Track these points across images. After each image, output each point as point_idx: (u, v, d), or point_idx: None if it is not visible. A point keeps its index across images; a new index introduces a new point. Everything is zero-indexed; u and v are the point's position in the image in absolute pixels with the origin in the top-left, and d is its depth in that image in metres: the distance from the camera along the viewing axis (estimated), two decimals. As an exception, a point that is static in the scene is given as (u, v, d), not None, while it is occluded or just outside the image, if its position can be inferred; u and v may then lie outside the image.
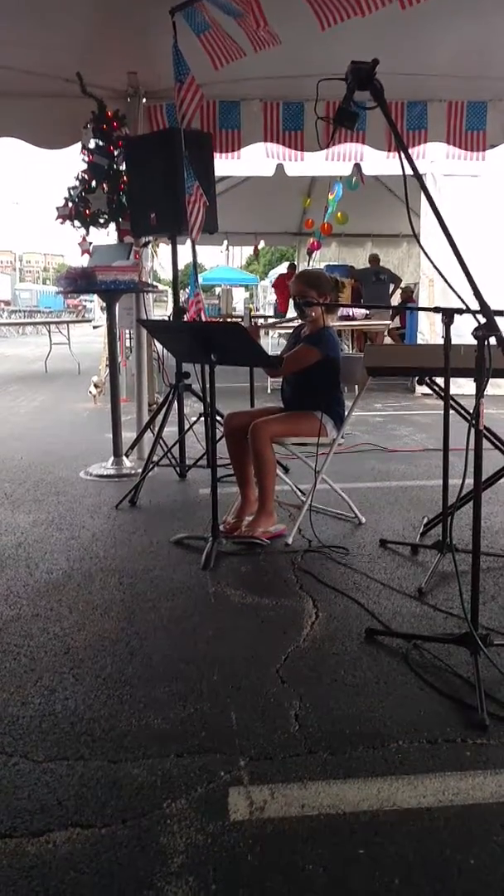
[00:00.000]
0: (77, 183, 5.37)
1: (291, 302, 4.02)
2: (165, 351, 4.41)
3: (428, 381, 3.75)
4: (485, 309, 2.20)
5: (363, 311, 10.27)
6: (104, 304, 5.49)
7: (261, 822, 1.74)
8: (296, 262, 17.57)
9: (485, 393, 2.23)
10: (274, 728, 2.12)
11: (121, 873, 1.59)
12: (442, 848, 1.66)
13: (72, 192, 5.38)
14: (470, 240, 6.89)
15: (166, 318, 7.43)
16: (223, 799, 1.82)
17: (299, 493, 4.23)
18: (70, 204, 5.38)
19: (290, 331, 4.43)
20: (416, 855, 1.64)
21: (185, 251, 5.09)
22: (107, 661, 2.54)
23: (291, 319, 4.77)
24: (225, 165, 7.44)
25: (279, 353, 4.16)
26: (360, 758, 1.99)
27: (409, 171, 2.33)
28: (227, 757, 1.99)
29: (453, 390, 3.28)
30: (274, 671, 2.45)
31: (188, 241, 4.72)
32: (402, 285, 12.50)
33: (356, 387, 4.01)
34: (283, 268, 18.34)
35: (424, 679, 2.39)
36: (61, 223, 5.43)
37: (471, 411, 2.31)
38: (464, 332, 2.56)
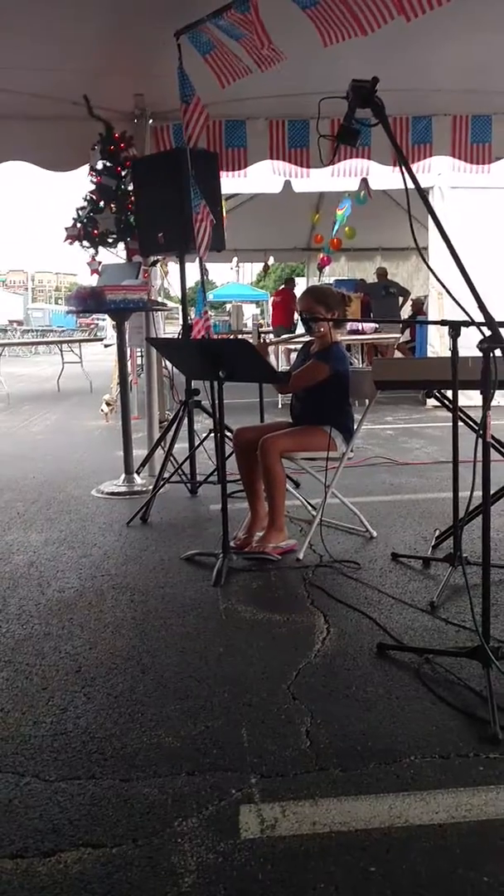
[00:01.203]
0: (85, 203, 5.43)
1: (299, 318, 4.04)
2: (175, 368, 4.43)
3: (437, 393, 3.75)
4: (489, 321, 2.20)
5: (373, 324, 10.28)
6: (115, 323, 5.53)
7: (272, 841, 1.73)
8: (306, 278, 17.62)
9: (492, 404, 2.23)
10: (285, 745, 2.11)
11: (132, 893, 1.59)
12: (455, 865, 1.64)
13: (80, 213, 5.44)
14: (478, 251, 6.92)
15: (176, 336, 7.47)
16: (234, 817, 1.81)
17: (310, 508, 4.22)
18: (79, 224, 5.44)
19: (300, 345, 4.44)
20: (429, 872, 1.62)
21: (193, 269, 5.13)
22: (118, 679, 2.54)
23: (300, 335, 4.78)
24: (233, 183, 7.50)
25: (287, 368, 4.17)
26: (372, 774, 1.97)
27: (411, 186, 2.35)
28: (238, 775, 1.98)
29: (463, 402, 3.28)
30: (285, 687, 2.44)
31: (197, 259, 4.76)
32: (412, 297, 12.52)
33: (365, 400, 4.01)
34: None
35: (436, 693, 2.37)
36: (70, 244, 5.49)
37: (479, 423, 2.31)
38: (473, 344, 2.57)
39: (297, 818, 1.80)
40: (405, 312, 12.28)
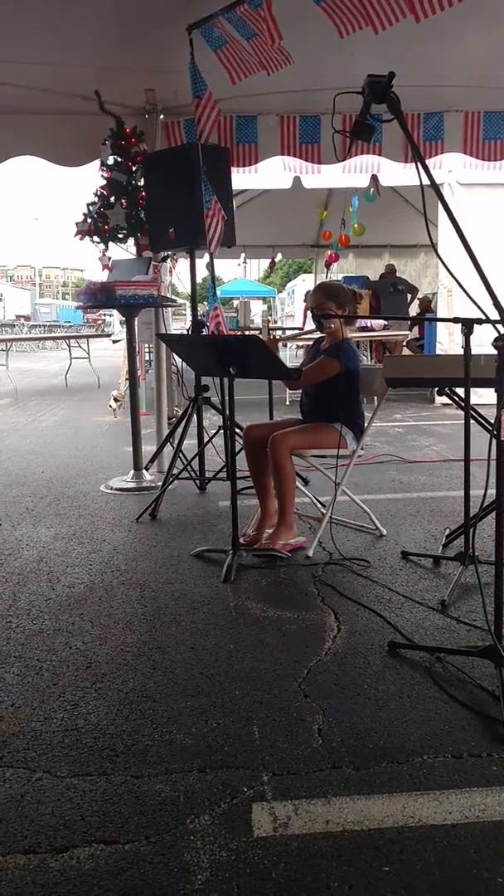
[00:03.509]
0: (96, 199, 5.42)
1: (309, 314, 4.02)
2: (184, 364, 4.43)
3: (448, 391, 3.73)
4: (505, 318, 2.18)
5: (381, 321, 10.25)
6: (123, 319, 5.53)
7: (285, 839, 1.73)
8: (313, 274, 17.57)
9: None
10: (297, 743, 2.11)
11: (144, 890, 1.58)
12: (469, 866, 1.64)
13: (91, 209, 5.43)
14: (489, 248, 6.87)
15: (185, 332, 7.46)
16: (247, 815, 1.81)
17: (319, 506, 4.22)
18: (89, 220, 5.43)
19: (311, 342, 4.43)
20: (443, 873, 1.62)
21: (203, 265, 5.12)
22: (129, 675, 2.53)
23: (310, 332, 4.77)
24: (242, 179, 7.49)
25: (298, 365, 4.16)
26: (385, 773, 1.96)
27: (426, 182, 2.33)
28: (250, 772, 1.97)
29: (473, 400, 3.27)
30: (296, 685, 2.43)
31: (206, 255, 4.75)
32: (420, 296, 12.48)
33: (375, 398, 4.00)
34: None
35: (448, 692, 2.36)
36: (80, 239, 5.48)
37: (492, 421, 2.30)
38: (484, 341, 2.55)
39: (309, 816, 1.80)
40: (413, 310, 12.24)
